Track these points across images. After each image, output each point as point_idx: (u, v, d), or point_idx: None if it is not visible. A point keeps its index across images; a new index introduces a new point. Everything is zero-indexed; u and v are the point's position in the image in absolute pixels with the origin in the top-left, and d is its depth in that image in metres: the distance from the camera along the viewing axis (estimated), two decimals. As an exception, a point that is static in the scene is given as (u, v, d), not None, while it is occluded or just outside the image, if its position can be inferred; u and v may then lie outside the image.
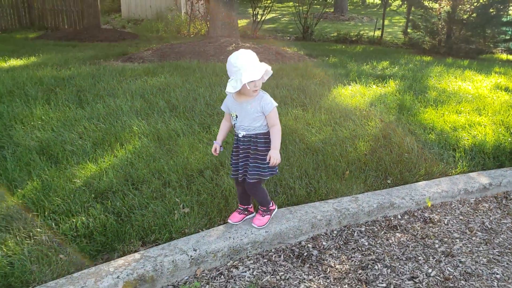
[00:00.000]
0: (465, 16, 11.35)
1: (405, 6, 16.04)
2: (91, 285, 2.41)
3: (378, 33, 14.63)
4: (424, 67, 8.26)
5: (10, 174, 3.37)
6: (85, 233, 2.80)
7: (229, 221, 2.98)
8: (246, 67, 2.52)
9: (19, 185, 3.25)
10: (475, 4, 11.42)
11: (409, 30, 13.18)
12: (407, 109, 5.11)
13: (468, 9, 11.45)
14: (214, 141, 2.90)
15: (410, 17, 13.42)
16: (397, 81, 6.60)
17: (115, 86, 5.54)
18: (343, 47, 12.42)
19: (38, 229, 2.79)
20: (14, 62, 7.65)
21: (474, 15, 11.13)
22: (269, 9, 15.35)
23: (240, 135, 2.75)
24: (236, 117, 2.75)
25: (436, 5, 12.11)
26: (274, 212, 3.05)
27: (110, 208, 3.04)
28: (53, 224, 2.84)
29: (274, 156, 2.68)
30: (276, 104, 2.74)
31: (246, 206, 3.02)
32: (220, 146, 2.90)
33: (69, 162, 3.58)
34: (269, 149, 2.75)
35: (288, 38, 14.88)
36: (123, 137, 4.04)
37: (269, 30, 16.53)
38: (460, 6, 11.32)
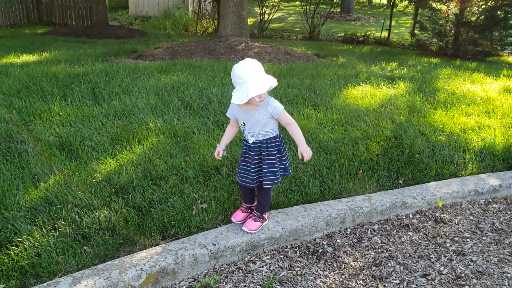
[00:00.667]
0: (473, 19, 11.39)
1: (411, 7, 16.10)
2: (116, 276, 2.50)
3: (385, 33, 14.68)
4: (432, 69, 8.32)
5: (33, 168, 3.46)
6: (107, 226, 2.88)
7: (232, 219, 3.02)
8: (252, 79, 2.53)
9: (41, 179, 3.34)
10: (483, 6, 11.46)
11: (416, 32, 13.22)
12: (417, 111, 5.18)
13: (476, 11, 11.49)
14: (218, 145, 2.93)
15: (418, 18, 13.47)
16: (406, 83, 6.67)
17: (129, 83, 5.64)
18: (350, 47, 12.47)
19: (62, 222, 2.87)
20: (26, 57, 7.75)
21: (482, 17, 11.17)
22: (276, 8, 15.43)
23: (250, 141, 2.77)
24: (244, 124, 2.77)
25: (444, 7, 12.14)
26: (265, 223, 3.03)
27: (130, 202, 3.13)
28: (77, 217, 2.92)
29: (305, 151, 2.71)
30: (283, 107, 2.75)
31: (250, 205, 3.06)
32: (223, 150, 2.92)
33: (89, 157, 3.67)
34: (280, 151, 2.80)
35: (295, 37, 14.95)
36: (140, 134, 4.13)
37: (275, 29, 16.60)
38: (468, 9, 11.35)
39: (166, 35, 13.46)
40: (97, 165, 3.56)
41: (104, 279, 2.46)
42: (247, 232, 2.92)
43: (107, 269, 2.54)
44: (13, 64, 6.99)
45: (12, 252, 2.59)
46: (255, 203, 3.06)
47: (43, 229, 2.81)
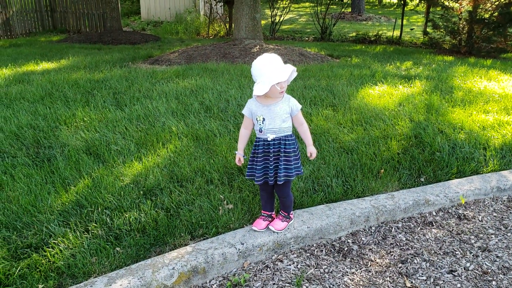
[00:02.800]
0: (486, 16, 11.32)
1: (422, 5, 16.03)
2: (149, 275, 2.57)
3: (397, 32, 14.65)
4: (447, 67, 8.31)
5: (62, 172, 3.56)
6: (138, 228, 2.96)
7: (253, 228, 2.99)
8: (272, 69, 2.58)
9: (71, 183, 3.44)
10: (497, 3, 11.38)
11: (429, 30, 13.17)
12: (435, 109, 5.19)
13: (489, 8, 11.41)
14: (236, 152, 2.94)
15: (430, 16, 13.41)
16: (422, 81, 6.67)
17: (149, 88, 5.74)
18: (363, 47, 12.48)
19: (94, 224, 2.96)
20: (46, 65, 7.91)
21: (496, 14, 11.10)
22: (287, 9, 15.50)
23: (269, 139, 2.76)
24: (263, 120, 2.75)
25: (457, 5, 12.09)
26: (291, 222, 3.07)
27: (159, 204, 3.21)
28: (108, 219, 3.01)
29: (314, 151, 2.86)
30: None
31: (270, 213, 3.05)
32: (243, 156, 2.94)
33: (116, 161, 3.76)
34: (295, 150, 2.81)
35: (307, 38, 14.98)
36: (163, 137, 4.21)
37: (287, 31, 16.66)
38: (481, 6, 11.29)
39: (179, 40, 13.60)
40: (124, 169, 3.65)
41: (138, 279, 2.53)
42: (274, 232, 2.97)
43: (140, 269, 2.62)
44: (33, 72, 7.15)
45: (48, 254, 2.68)
46: (274, 212, 3.09)
47: (76, 231, 2.90)
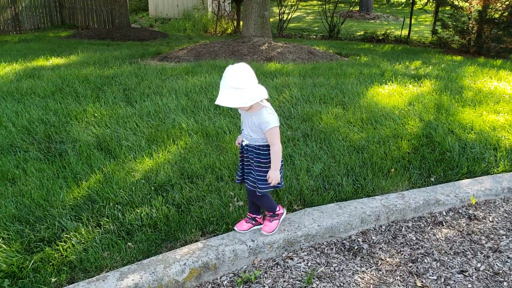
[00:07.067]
0: (496, 15, 11.25)
1: (431, 4, 15.93)
2: (161, 270, 2.58)
3: (405, 32, 14.58)
4: (456, 67, 8.27)
5: (74, 167, 3.59)
6: (149, 223, 2.98)
7: (235, 228, 2.95)
8: (256, 85, 2.51)
9: (82, 178, 3.46)
10: (507, 2, 11.30)
11: (438, 29, 13.11)
12: (445, 109, 5.17)
13: (499, 7, 11.34)
14: (239, 136, 2.85)
15: (439, 16, 13.34)
16: (432, 81, 6.65)
17: (159, 85, 5.76)
18: (371, 46, 12.44)
19: (106, 219, 2.98)
20: (55, 60, 7.95)
21: (506, 14, 11.02)
22: (295, 7, 15.47)
23: (243, 143, 2.73)
24: (242, 123, 2.74)
25: (466, 4, 12.02)
26: (282, 216, 3.01)
27: (170, 200, 3.22)
28: (119, 214, 3.03)
29: (272, 177, 2.63)
30: (276, 125, 2.58)
31: (254, 215, 2.98)
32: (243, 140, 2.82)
33: (127, 157, 3.78)
34: (269, 162, 2.68)
35: (314, 36, 14.96)
36: (174, 134, 4.23)
37: (294, 29, 16.64)
38: (491, 5, 11.22)
39: (187, 37, 13.61)
40: (135, 164, 3.66)
41: (150, 274, 2.55)
42: (266, 235, 2.91)
43: (152, 264, 2.63)
44: (43, 67, 7.19)
45: (61, 248, 2.70)
46: (260, 216, 3.00)
47: (88, 226, 2.92)
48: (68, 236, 2.80)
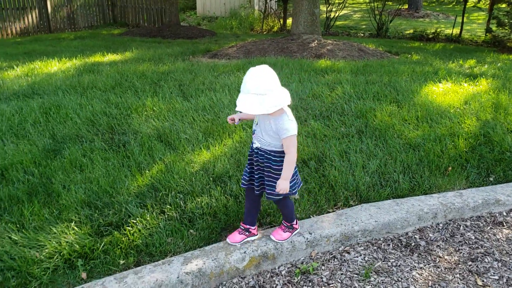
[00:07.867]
0: (558, 12, 10.73)
1: (484, 1, 15.34)
2: (222, 257, 2.69)
3: (456, 30, 14.13)
4: (514, 65, 7.96)
5: (137, 157, 3.76)
6: (209, 212, 3.09)
7: (227, 240, 2.81)
8: (278, 86, 2.39)
9: (145, 167, 3.63)
10: None
11: (492, 27, 12.62)
12: (503, 108, 5.02)
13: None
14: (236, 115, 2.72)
15: (494, 13, 12.84)
16: (488, 80, 6.44)
17: (212, 81, 5.91)
18: (421, 44, 12.15)
19: (169, 206, 3.12)
20: (111, 57, 8.29)
21: None
22: (342, 5, 15.33)
23: (254, 146, 2.59)
24: (257, 124, 2.57)
25: (525, 1, 11.53)
26: (295, 232, 2.89)
27: (228, 190, 3.32)
28: (181, 203, 3.16)
29: (281, 186, 2.50)
30: (295, 133, 2.44)
31: (248, 227, 2.82)
32: (239, 120, 2.72)
33: (185, 149, 3.92)
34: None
35: (362, 34, 14.77)
36: (228, 128, 4.34)
37: (341, 27, 16.49)
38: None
39: (234, 35, 13.79)
40: (194, 156, 3.80)
41: (212, 260, 2.65)
42: (274, 241, 2.82)
43: (213, 251, 2.74)
44: (101, 63, 7.52)
45: (128, 232, 2.85)
46: (255, 226, 2.85)
47: (153, 212, 3.06)
48: (135, 221, 2.95)
